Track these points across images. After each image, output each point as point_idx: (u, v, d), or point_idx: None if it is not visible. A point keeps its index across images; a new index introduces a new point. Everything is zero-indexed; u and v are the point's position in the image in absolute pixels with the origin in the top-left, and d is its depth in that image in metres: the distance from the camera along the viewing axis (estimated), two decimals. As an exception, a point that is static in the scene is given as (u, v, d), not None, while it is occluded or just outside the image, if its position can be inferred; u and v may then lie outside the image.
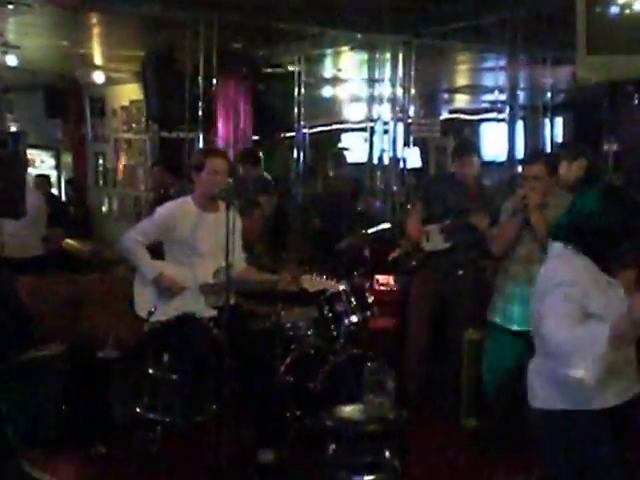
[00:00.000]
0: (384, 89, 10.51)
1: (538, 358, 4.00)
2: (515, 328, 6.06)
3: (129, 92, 12.85)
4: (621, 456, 3.91)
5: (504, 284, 6.22)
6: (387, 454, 4.94)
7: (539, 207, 5.91)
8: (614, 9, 5.95)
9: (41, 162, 14.93)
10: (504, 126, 9.52)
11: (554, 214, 5.90)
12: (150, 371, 5.86)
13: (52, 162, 15.62)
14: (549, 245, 3.96)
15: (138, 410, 5.87)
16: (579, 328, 3.60)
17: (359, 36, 9.81)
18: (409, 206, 8.86)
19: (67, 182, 14.86)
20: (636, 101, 6.64)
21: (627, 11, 5.93)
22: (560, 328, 3.63)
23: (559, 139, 12.29)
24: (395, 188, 10.15)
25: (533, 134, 10.73)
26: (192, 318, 5.83)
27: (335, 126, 14.01)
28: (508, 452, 6.08)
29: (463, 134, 13.91)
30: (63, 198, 14.55)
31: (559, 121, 12.63)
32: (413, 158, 10.58)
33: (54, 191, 14.56)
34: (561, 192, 6.16)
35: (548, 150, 10.12)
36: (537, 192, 5.92)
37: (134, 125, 12.90)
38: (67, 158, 15.44)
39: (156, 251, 6.07)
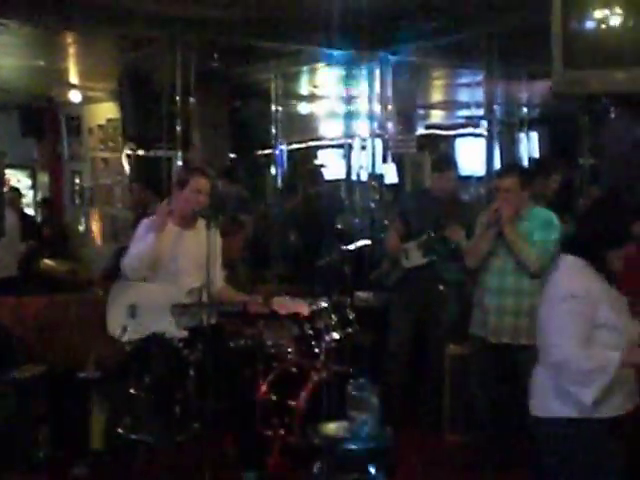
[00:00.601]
0: (361, 105, 10.52)
1: (540, 367, 4.03)
2: (491, 340, 6.08)
3: (105, 111, 12.80)
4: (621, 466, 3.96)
5: (481, 297, 6.24)
6: (372, 471, 4.92)
7: (512, 219, 5.95)
8: (590, 24, 5.98)
9: (17, 182, 14.83)
10: (480, 141, 9.55)
11: (529, 227, 5.96)
12: (131, 391, 5.82)
13: (28, 182, 15.53)
14: (559, 258, 4.04)
15: (120, 430, 5.83)
16: (586, 351, 3.73)
17: (335, 53, 9.81)
18: (386, 222, 8.87)
19: (42, 201, 14.77)
20: (612, 114, 6.68)
21: (603, 26, 5.96)
22: (567, 344, 3.71)
23: (535, 153, 12.34)
24: (373, 204, 10.15)
25: (509, 149, 10.77)
26: (161, 338, 5.78)
27: (312, 143, 14.01)
28: (495, 466, 6.11)
29: (440, 149, 13.95)
30: (39, 218, 14.45)
31: (534, 135, 12.68)
32: (389, 174, 10.58)
33: (30, 210, 14.50)
34: (536, 206, 6.20)
35: (524, 164, 10.17)
36: (510, 204, 5.95)
37: (111, 144, 12.84)
38: (43, 177, 15.36)
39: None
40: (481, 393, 6.35)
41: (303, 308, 5.96)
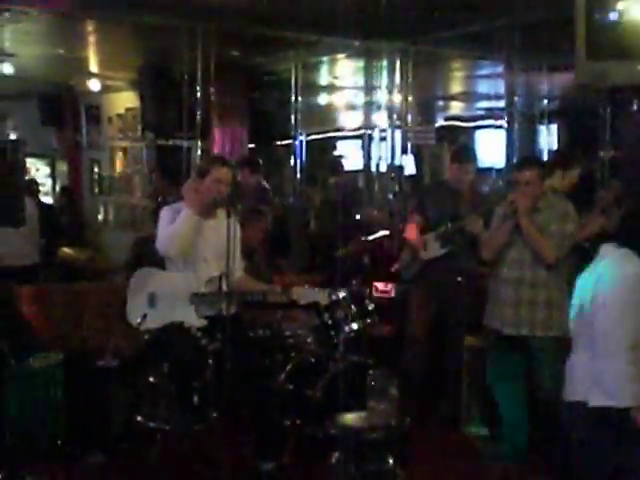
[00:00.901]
0: (381, 96, 10.51)
1: (577, 354, 4.05)
2: (508, 332, 6.06)
3: (125, 100, 12.82)
4: None
5: (497, 289, 6.21)
6: (390, 461, 4.91)
7: (529, 211, 5.92)
8: (613, 15, 5.95)
9: (36, 170, 14.89)
10: (499, 133, 9.53)
11: (545, 219, 5.93)
12: (150, 380, 5.83)
13: (47, 170, 15.58)
14: (601, 247, 4.11)
15: (138, 419, 5.85)
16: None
17: (356, 43, 9.80)
18: (405, 213, 8.86)
19: (60, 190, 14.81)
20: (635, 107, 6.65)
21: (626, 17, 5.93)
22: (621, 346, 3.76)
23: (554, 146, 12.31)
24: (392, 196, 10.14)
25: (528, 141, 10.74)
26: (179, 327, 5.78)
27: (331, 134, 14.02)
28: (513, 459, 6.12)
29: (459, 141, 13.93)
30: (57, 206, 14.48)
31: (554, 128, 12.65)
32: (409, 165, 10.58)
33: (49, 199, 14.54)
34: (554, 197, 6.17)
35: (544, 157, 10.14)
36: (527, 197, 5.92)
37: (130, 133, 12.86)
38: (62, 166, 15.40)
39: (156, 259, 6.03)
40: (497, 385, 6.33)
41: (323, 297, 5.94)
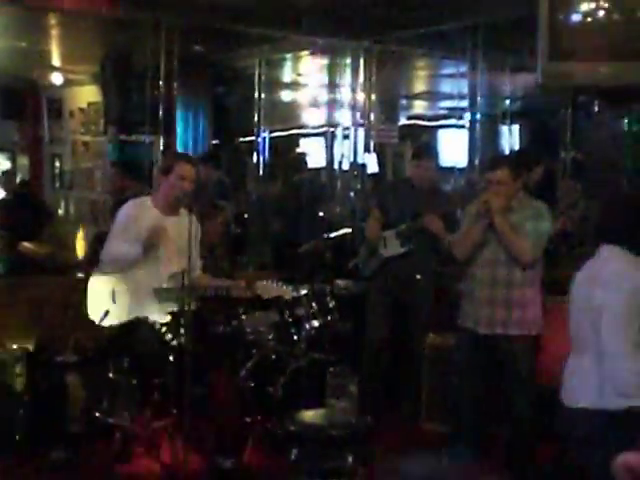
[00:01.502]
0: (344, 94, 10.52)
1: (582, 357, 4.06)
2: (482, 331, 6.06)
3: (87, 94, 12.71)
4: None
5: (472, 288, 6.20)
6: (350, 459, 4.92)
7: (503, 211, 5.91)
8: (576, 16, 6.01)
9: (-4, 163, 14.75)
10: (462, 132, 9.57)
11: (518, 218, 5.94)
12: (110, 375, 5.81)
13: (8, 164, 15.41)
14: (600, 247, 4.11)
15: (97, 415, 5.82)
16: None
17: (320, 41, 9.80)
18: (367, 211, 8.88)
19: (20, 184, 14.65)
20: (596, 108, 6.71)
21: (589, 19, 6.00)
22: (620, 333, 3.80)
23: (516, 146, 12.38)
24: (354, 194, 10.16)
25: (491, 141, 10.80)
26: (143, 323, 5.76)
27: (294, 131, 14.00)
28: (474, 456, 6.13)
29: (421, 139, 13.98)
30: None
31: (516, 128, 12.72)
32: (371, 164, 10.59)
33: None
34: (526, 197, 6.17)
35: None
36: (501, 196, 5.92)
37: (92, 127, 12.76)
38: (23, 160, 15.25)
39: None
40: (467, 384, 6.32)
41: (286, 292, 5.94)
